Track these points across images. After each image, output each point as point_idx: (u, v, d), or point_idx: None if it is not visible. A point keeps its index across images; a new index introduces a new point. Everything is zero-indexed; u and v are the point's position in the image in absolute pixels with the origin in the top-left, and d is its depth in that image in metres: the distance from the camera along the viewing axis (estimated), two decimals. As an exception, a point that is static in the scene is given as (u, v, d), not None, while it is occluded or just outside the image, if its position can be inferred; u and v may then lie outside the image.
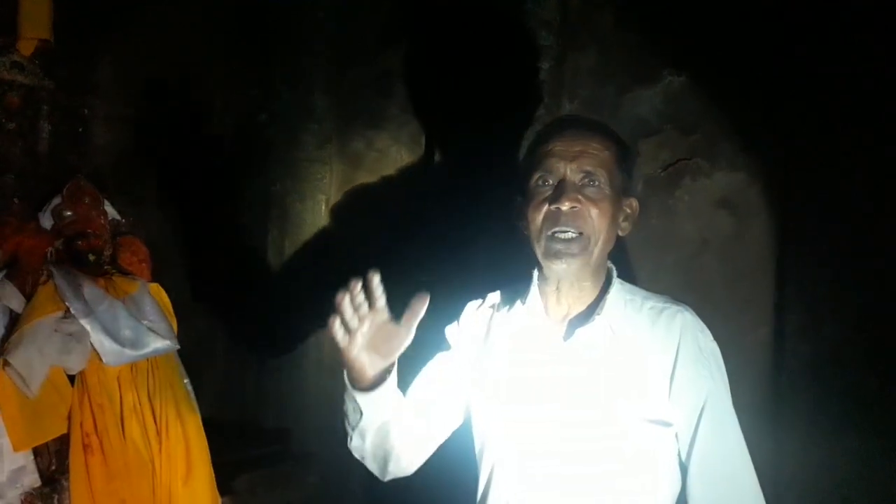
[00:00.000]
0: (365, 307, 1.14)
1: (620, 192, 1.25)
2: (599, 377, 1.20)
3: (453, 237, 2.17)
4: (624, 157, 1.27)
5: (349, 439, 1.31)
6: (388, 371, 1.20)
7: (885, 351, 1.67)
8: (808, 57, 1.77)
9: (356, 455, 1.33)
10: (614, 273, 1.29)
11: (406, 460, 1.33)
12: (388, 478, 1.36)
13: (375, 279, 1.14)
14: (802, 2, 1.78)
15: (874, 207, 1.71)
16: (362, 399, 1.21)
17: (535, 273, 1.30)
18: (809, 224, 1.79)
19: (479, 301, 1.41)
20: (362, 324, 1.14)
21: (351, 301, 1.13)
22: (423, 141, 2.36)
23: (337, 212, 2.52)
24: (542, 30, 2.16)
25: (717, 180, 1.90)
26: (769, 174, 1.85)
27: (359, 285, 1.13)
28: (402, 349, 1.18)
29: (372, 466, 1.34)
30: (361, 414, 1.23)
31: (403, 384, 1.31)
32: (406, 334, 1.16)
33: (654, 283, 1.89)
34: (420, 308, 1.15)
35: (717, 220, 1.90)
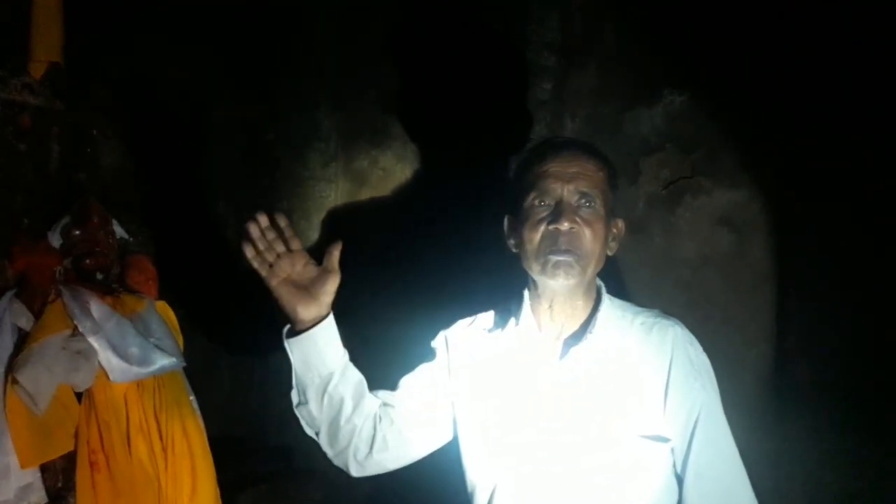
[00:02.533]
0: (280, 245, 1.24)
1: (610, 213, 1.27)
2: (595, 395, 1.21)
3: (458, 255, 2.19)
4: (614, 178, 1.30)
5: (293, 402, 1.33)
6: (322, 319, 1.25)
7: (884, 366, 1.68)
8: (809, 74, 1.79)
9: (305, 427, 1.34)
10: (604, 290, 1.30)
11: (363, 451, 1.32)
12: (354, 470, 1.36)
13: (282, 222, 1.24)
14: (803, 20, 1.80)
15: (875, 224, 1.72)
16: (292, 343, 1.26)
17: (526, 293, 1.31)
18: (810, 241, 1.80)
19: (470, 320, 1.41)
20: (280, 260, 1.24)
21: (261, 235, 1.23)
22: (427, 160, 2.38)
23: (342, 230, 2.53)
24: (544, 50, 2.19)
25: (718, 198, 1.92)
26: (770, 191, 1.87)
27: (264, 217, 1.23)
28: (333, 292, 1.26)
29: (326, 446, 1.33)
30: (295, 357, 1.28)
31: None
32: (331, 275, 1.25)
33: (655, 300, 1.90)
34: (335, 249, 1.25)
35: (718, 237, 1.91)
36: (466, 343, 1.38)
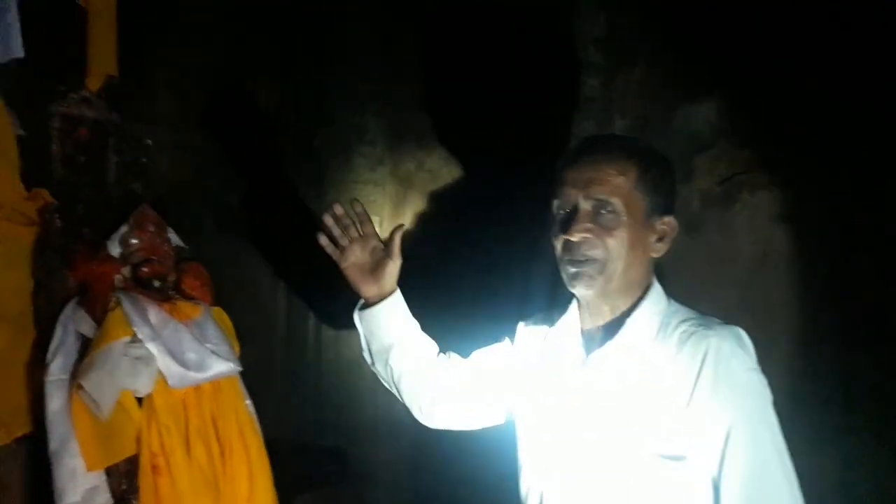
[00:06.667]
0: (353, 231, 1.41)
1: (647, 215, 1.21)
2: (611, 403, 1.18)
3: (505, 258, 2.17)
4: (651, 177, 1.22)
5: (367, 361, 1.50)
6: (384, 297, 1.40)
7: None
8: (865, 66, 1.72)
9: (381, 380, 1.51)
10: (651, 293, 1.24)
11: (426, 407, 1.47)
12: (420, 419, 1.51)
13: (359, 207, 1.42)
14: (863, 13, 1.73)
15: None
16: (359, 315, 1.44)
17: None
18: (872, 238, 1.73)
19: (540, 315, 1.43)
20: (353, 244, 1.41)
21: (337, 223, 1.41)
22: (474, 160, 2.37)
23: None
24: (592, 47, 2.16)
25: (776, 194, 1.86)
26: (829, 187, 1.80)
27: (340, 208, 1.41)
28: (394, 274, 1.40)
29: (397, 395, 1.51)
30: (361, 328, 1.45)
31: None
32: (392, 259, 1.39)
33: (714, 300, 1.85)
34: (396, 235, 1.39)
35: (777, 234, 1.85)
36: (526, 340, 1.41)
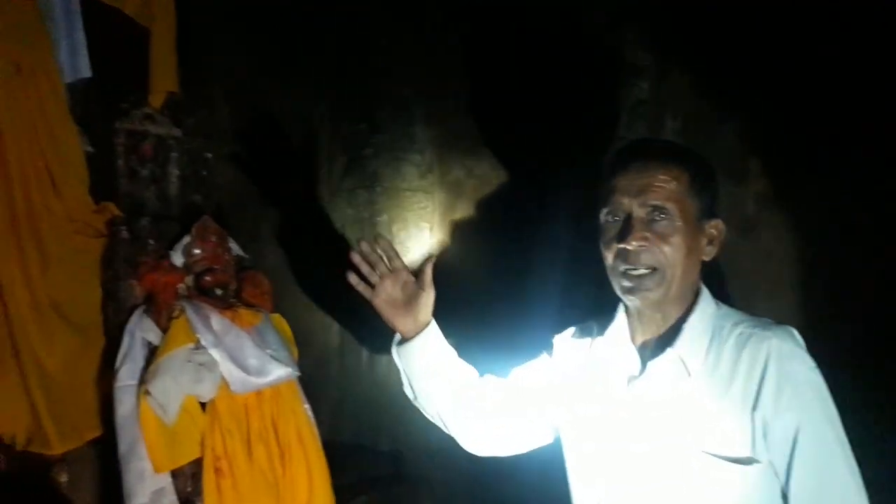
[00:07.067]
0: (382, 266, 1.37)
1: (698, 219, 1.19)
2: (669, 411, 1.16)
3: (555, 264, 2.18)
4: (700, 180, 1.20)
5: (409, 396, 1.46)
6: (420, 330, 1.37)
7: None
8: (865, 67, 1.69)
9: (425, 413, 1.48)
10: (702, 298, 1.22)
11: (462, 431, 1.44)
12: (464, 446, 1.47)
13: (384, 243, 1.38)
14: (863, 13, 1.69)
15: None
16: (395, 350, 1.41)
17: (622, 303, 1.28)
18: (873, 237, 1.69)
19: (572, 330, 1.41)
20: (384, 280, 1.36)
21: (365, 259, 1.37)
22: (523, 165, 2.38)
23: (440, 239, 2.58)
24: (640, 49, 2.15)
25: (832, 194, 1.82)
26: (887, 186, 1.76)
27: (366, 245, 1.37)
28: (428, 305, 1.36)
29: (442, 427, 1.47)
30: (400, 364, 1.42)
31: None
32: (425, 292, 1.36)
33: (770, 301, 1.84)
34: (427, 267, 1.36)
35: (834, 235, 1.82)
36: (565, 352, 1.39)
